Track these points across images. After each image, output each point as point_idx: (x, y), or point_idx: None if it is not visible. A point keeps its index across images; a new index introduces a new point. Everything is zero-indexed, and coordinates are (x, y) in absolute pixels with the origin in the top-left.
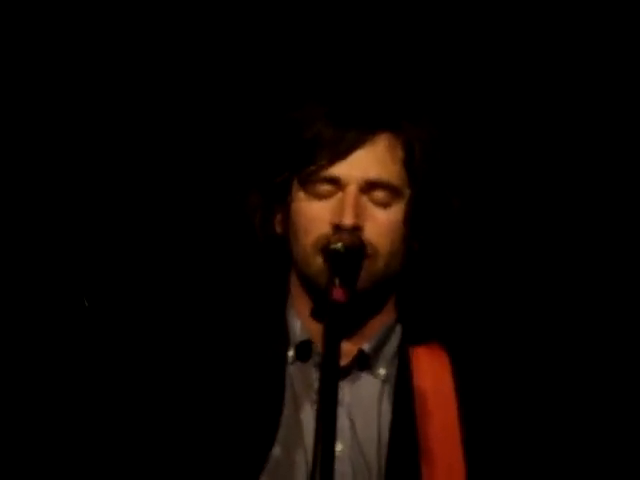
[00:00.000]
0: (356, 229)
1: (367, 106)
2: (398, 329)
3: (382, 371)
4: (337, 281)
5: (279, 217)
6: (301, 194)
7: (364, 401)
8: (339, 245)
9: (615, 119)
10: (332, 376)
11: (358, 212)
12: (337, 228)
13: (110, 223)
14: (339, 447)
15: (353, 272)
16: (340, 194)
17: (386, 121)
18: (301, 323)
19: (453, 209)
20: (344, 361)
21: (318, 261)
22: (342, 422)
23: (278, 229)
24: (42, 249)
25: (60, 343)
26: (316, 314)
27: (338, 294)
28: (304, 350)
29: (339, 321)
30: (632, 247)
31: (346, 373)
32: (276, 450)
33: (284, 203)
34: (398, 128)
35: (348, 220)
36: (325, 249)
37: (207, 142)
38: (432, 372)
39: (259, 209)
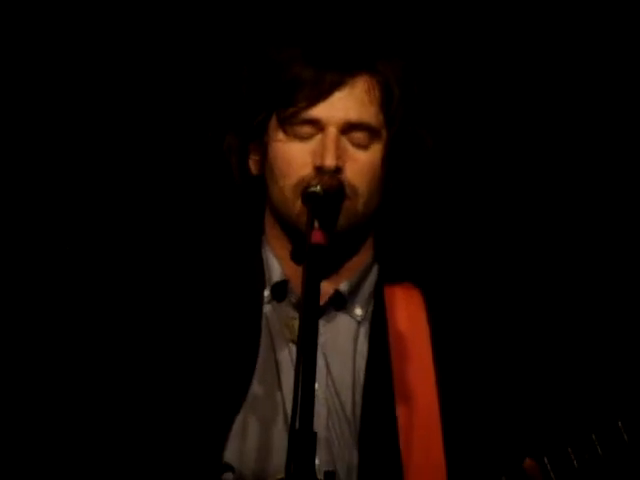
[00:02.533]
0: (337, 171)
1: (345, 48)
2: (375, 268)
3: (358, 311)
4: (316, 224)
5: (255, 158)
6: (280, 135)
7: (340, 341)
8: (318, 188)
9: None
10: (312, 318)
11: (339, 154)
12: (319, 170)
13: (90, 169)
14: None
15: (332, 215)
16: (320, 135)
17: (364, 63)
18: (277, 263)
19: (428, 148)
20: (320, 301)
21: (298, 204)
22: (318, 362)
23: (254, 170)
24: (23, 197)
25: (42, 285)
26: (295, 257)
27: (317, 237)
28: (280, 290)
29: (319, 263)
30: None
31: (322, 313)
32: (253, 388)
33: (261, 143)
34: (375, 69)
35: (330, 161)
36: (304, 192)
37: (183, 83)
38: (407, 313)
39: (235, 150)
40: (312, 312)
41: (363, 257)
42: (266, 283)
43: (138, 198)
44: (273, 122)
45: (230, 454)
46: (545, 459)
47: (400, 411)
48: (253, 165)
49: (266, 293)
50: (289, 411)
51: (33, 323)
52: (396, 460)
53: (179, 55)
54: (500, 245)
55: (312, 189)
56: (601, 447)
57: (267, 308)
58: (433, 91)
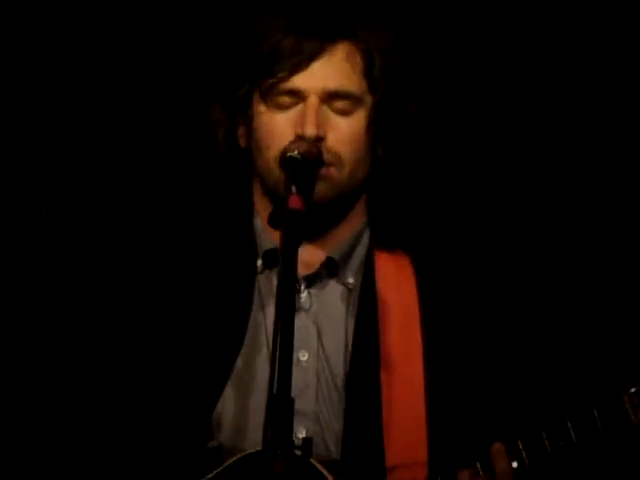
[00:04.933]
0: (318, 139)
1: (325, 16)
2: (366, 235)
3: (351, 279)
4: (294, 189)
5: (242, 130)
6: (262, 107)
7: (331, 309)
8: (295, 153)
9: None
10: (289, 284)
11: (320, 122)
12: (299, 139)
13: (80, 138)
14: (305, 356)
15: (310, 179)
16: (301, 105)
17: (344, 30)
18: (267, 232)
19: (413, 113)
20: (312, 269)
21: (280, 173)
22: (309, 330)
23: (241, 142)
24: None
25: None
26: (273, 222)
27: (295, 202)
28: (271, 258)
29: (297, 229)
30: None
31: (313, 281)
32: (242, 358)
33: (246, 116)
34: (357, 37)
35: (310, 130)
36: (282, 157)
37: (168, 57)
38: (397, 281)
39: (222, 123)
40: (289, 278)
41: (354, 223)
42: (258, 253)
43: (129, 173)
44: (256, 95)
45: (217, 422)
46: (519, 443)
47: (385, 381)
48: (241, 138)
49: (259, 263)
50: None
51: (21, 304)
52: (378, 431)
53: (163, 27)
54: (492, 214)
55: (290, 154)
56: (575, 434)
57: (260, 278)
58: (419, 53)
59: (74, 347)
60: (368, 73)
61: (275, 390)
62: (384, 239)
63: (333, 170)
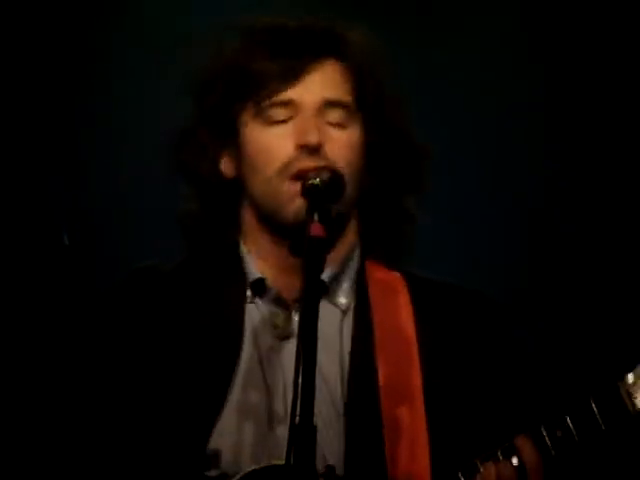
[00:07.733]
0: (319, 148)
1: (310, 37)
2: (357, 253)
3: (342, 300)
4: (316, 216)
5: (228, 159)
6: (257, 125)
7: (325, 331)
8: (317, 180)
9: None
10: (312, 312)
11: (320, 131)
12: (302, 148)
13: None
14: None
15: (330, 207)
16: (297, 118)
17: (331, 48)
18: (253, 261)
19: (400, 126)
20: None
21: (286, 188)
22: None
23: (228, 172)
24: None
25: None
26: (294, 250)
27: (317, 229)
28: (259, 287)
29: (318, 256)
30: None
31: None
32: (237, 386)
33: (235, 143)
34: (344, 54)
35: (313, 138)
36: (303, 185)
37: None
38: (391, 300)
39: (208, 148)
40: (312, 305)
41: (345, 243)
42: (247, 282)
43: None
44: (246, 116)
45: (214, 451)
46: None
47: (384, 402)
48: (228, 167)
49: (248, 292)
50: (275, 407)
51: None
52: (380, 454)
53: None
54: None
55: (311, 181)
56: (575, 427)
57: (250, 307)
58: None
59: (84, 382)
60: (358, 89)
61: (298, 419)
62: (376, 258)
63: None
